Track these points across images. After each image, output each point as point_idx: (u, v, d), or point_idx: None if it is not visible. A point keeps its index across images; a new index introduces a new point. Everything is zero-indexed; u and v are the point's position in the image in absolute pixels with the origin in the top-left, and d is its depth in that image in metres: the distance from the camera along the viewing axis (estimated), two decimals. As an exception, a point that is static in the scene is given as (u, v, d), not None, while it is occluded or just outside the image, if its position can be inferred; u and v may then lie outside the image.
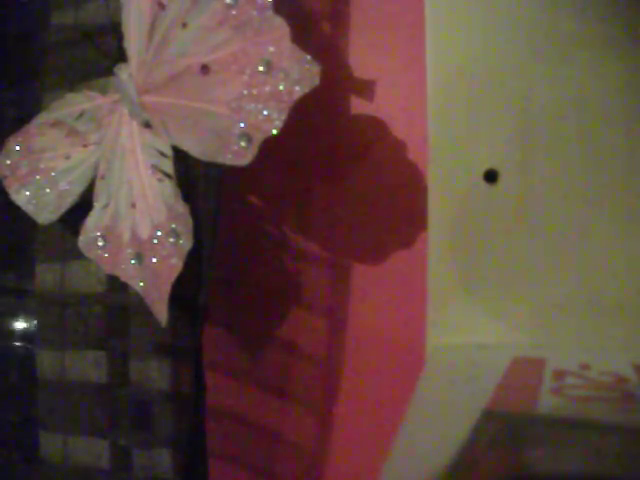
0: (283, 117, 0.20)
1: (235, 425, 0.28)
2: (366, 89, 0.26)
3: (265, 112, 0.21)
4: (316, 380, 0.27)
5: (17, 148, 0.27)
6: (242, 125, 0.21)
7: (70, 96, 0.26)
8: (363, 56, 0.26)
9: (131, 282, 0.24)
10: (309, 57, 0.20)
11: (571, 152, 0.21)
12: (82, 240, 0.25)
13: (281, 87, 0.20)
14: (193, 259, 0.23)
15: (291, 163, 0.27)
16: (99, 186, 0.25)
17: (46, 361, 0.27)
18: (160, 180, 0.23)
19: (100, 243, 0.25)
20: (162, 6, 0.23)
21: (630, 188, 0.21)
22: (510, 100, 0.22)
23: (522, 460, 0.14)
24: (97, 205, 0.25)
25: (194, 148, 0.22)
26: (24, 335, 0.28)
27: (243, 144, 0.21)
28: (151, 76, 0.23)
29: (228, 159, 0.21)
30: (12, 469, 0.28)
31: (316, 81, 0.20)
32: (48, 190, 0.26)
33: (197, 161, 0.22)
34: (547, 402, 0.16)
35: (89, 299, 0.26)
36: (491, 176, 0.22)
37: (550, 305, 0.21)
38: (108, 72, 0.25)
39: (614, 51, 0.21)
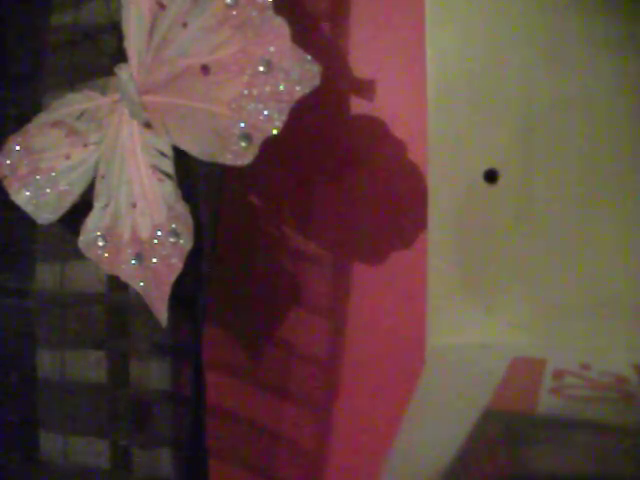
0: (283, 117, 0.20)
1: (235, 425, 0.28)
2: (366, 89, 0.26)
3: (265, 112, 0.21)
4: (316, 380, 0.27)
5: (17, 148, 0.27)
6: (242, 125, 0.21)
7: (70, 96, 0.26)
8: (363, 56, 0.26)
9: (131, 282, 0.24)
10: (309, 57, 0.20)
11: (571, 152, 0.21)
12: (82, 240, 0.25)
13: (281, 87, 0.20)
14: (193, 259, 0.23)
15: (291, 163, 0.27)
16: (99, 186, 0.25)
17: (46, 361, 0.27)
18: (160, 180, 0.23)
19: (100, 243, 0.25)
20: (162, 6, 0.23)
21: (630, 188, 0.21)
22: (510, 100, 0.22)
23: (522, 460, 0.14)
24: (97, 205, 0.25)
25: (194, 148, 0.22)
26: (24, 335, 0.28)
27: (243, 144, 0.21)
28: (151, 76, 0.23)
29: (228, 159, 0.21)
30: (12, 469, 0.28)
31: (316, 81, 0.20)
32: (48, 190, 0.26)
33: (197, 161, 0.22)
34: (547, 402, 0.16)
35: (89, 299, 0.26)
36: (491, 176, 0.22)
37: (550, 305, 0.21)
38: (108, 72, 0.25)
39: (614, 51, 0.21)
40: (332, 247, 0.27)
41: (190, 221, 0.22)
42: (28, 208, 0.27)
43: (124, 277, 0.24)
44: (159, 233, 0.23)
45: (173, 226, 0.23)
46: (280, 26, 0.21)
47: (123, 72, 0.24)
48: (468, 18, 0.22)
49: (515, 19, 0.22)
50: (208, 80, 0.22)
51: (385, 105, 0.25)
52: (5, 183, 0.27)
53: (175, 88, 0.23)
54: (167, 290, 0.23)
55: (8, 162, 0.27)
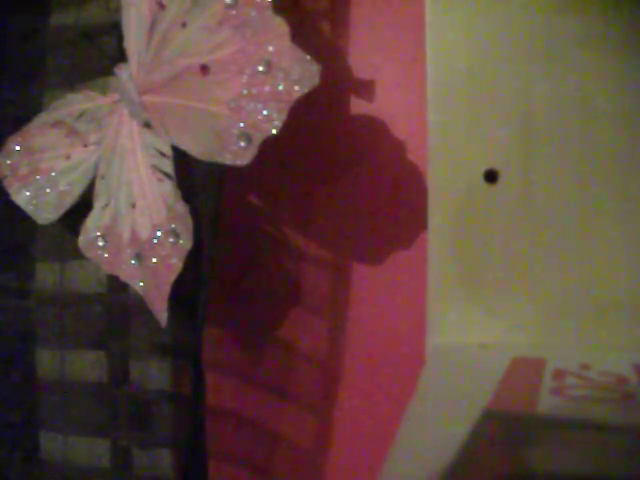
0: (283, 117, 0.20)
1: (235, 425, 0.28)
2: (366, 89, 0.26)
3: (265, 112, 0.21)
4: (316, 380, 0.27)
5: (17, 148, 0.27)
6: (242, 125, 0.21)
7: (70, 96, 0.26)
8: (363, 56, 0.26)
9: (131, 282, 0.24)
10: (309, 57, 0.20)
11: (571, 152, 0.21)
12: (82, 240, 0.25)
13: (281, 87, 0.20)
14: (193, 259, 0.23)
15: (291, 163, 0.27)
16: (99, 186, 0.25)
17: (46, 361, 0.27)
18: (160, 180, 0.23)
19: (100, 243, 0.25)
20: (162, 6, 0.23)
21: (630, 188, 0.21)
22: (510, 100, 0.22)
23: (522, 460, 0.14)
24: (97, 205, 0.25)
25: (194, 148, 0.22)
26: (24, 335, 0.28)
27: (243, 144, 0.21)
28: (151, 76, 0.23)
29: (228, 159, 0.21)
30: (12, 469, 0.28)
31: (316, 81, 0.20)
32: (48, 190, 0.26)
33: (197, 161, 0.22)
34: (547, 402, 0.16)
35: (89, 299, 0.26)
36: (491, 176, 0.22)
37: (550, 305, 0.21)
38: (108, 72, 0.25)
39: (614, 51, 0.21)
40: (332, 247, 0.27)
41: (190, 221, 0.22)
42: (28, 208, 0.27)
43: (124, 277, 0.24)
44: (159, 233, 0.23)
45: (173, 226, 0.23)
46: (279, 26, 0.21)
47: (123, 72, 0.24)
48: (468, 18, 0.22)
49: (515, 19, 0.22)
50: (207, 80, 0.22)
51: (385, 105, 0.25)
52: (5, 183, 0.27)
53: (174, 88, 0.23)
54: (167, 290, 0.23)
55: (8, 162, 0.27)
